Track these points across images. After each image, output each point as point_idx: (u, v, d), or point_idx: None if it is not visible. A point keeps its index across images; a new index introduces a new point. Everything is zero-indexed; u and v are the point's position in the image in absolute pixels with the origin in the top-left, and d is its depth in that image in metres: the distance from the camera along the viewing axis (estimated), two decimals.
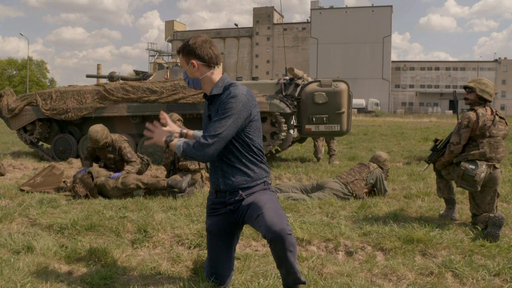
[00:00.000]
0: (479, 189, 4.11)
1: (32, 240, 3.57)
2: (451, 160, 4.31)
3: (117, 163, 6.06)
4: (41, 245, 3.48)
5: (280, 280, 2.88)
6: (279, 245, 2.37)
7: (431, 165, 4.72)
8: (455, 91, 4.91)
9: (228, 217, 2.71)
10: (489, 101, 4.26)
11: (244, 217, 2.63)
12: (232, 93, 2.57)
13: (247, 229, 3.91)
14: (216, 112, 2.60)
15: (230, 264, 2.74)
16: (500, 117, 4.25)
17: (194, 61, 2.65)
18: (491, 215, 3.89)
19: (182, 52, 2.69)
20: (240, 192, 2.65)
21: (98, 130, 5.79)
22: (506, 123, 4.31)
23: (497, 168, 4.17)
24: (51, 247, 3.48)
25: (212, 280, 2.68)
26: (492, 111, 4.22)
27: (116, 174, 5.59)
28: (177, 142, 2.61)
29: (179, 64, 10.49)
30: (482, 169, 4.06)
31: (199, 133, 2.92)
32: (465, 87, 4.33)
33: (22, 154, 10.06)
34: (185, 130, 2.94)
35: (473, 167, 4.09)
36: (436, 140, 4.61)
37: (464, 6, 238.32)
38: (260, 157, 2.70)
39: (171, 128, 2.73)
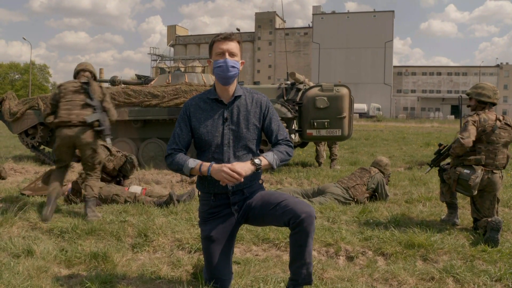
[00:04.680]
0: (474, 193, 4.11)
1: (32, 244, 3.57)
2: (460, 153, 4.21)
3: (114, 172, 6.05)
4: (41, 249, 3.48)
5: (281, 285, 2.88)
6: (308, 226, 2.44)
7: (434, 169, 4.75)
8: (460, 96, 4.94)
9: (230, 218, 2.72)
10: (492, 103, 4.26)
11: (250, 212, 2.69)
12: (264, 96, 2.77)
13: (247, 234, 3.90)
14: (246, 115, 2.68)
15: (230, 268, 2.73)
16: (506, 124, 4.23)
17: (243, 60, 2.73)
18: (489, 219, 3.88)
19: (239, 43, 2.67)
20: (244, 191, 2.71)
21: None
22: None
23: (496, 173, 4.16)
24: (51, 251, 3.48)
25: (212, 284, 2.67)
26: (496, 116, 4.21)
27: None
28: (268, 159, 2.60)
29: (180, 68, 10.51)
30: (477, 174, 4.07)
31: None
32: (467, 94, 4.40)
33: (24, 158, 10.07)
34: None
35: (468, 171, 4.11)
36: (440, 145, 4.65)
37: (464, 11, 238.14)
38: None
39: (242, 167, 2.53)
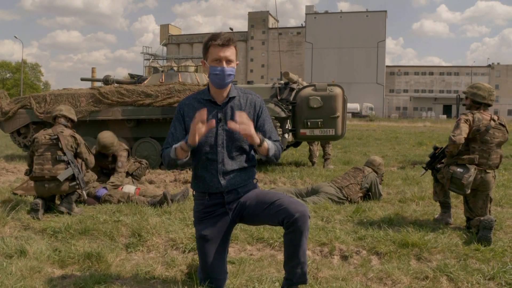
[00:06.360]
0: (467, 192, 4.14)
1: (25, 244, 3.54)
2: (454, 151, 4.23)
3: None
4: (34, 249, 3.45)
5: (275, 284, 2.88)
6: (302, 225, 2.45)
7: (429, 171, 4.77)
8: (458, 95, 5.00)
9: (224, 217, 2.72)
10: (487, 104, 4.29)
11: (244, 211, 2.69)
12: (258, 97, 2.76)
13: (242, 234, 3.90)
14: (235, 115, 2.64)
15: (224, 267, 2.73)
16: (500, 124, 4.25)
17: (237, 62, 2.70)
18: (481, 218, 3.91)
19: (236, 47, 2.64)
20: (239, 190, 2.71)
21: (109, 135, 5.74)
22: (507, 131, 4.30)
23: (489, 172, 4.18)
24: (44, 251, 3.45)
25: (207, 284, 2.67)
26: (491, 116, 4.24)
27: (102, 191, 5.49)
28: (268, 144, 2.59)
29: (174, 68, 10.48)
30: (470, 173, 4.09)
31: None
32: (464, 93, 4.45)
33: (16, 157, 9.99)
34: None
35: (461, 170, 4.13)
36: (435, 148, 4.67)
37: (455, 11, 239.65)
38: (254, 156, 2.79)
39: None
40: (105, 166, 5.90)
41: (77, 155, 4.91)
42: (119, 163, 5.83)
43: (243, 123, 2.42)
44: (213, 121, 2.46)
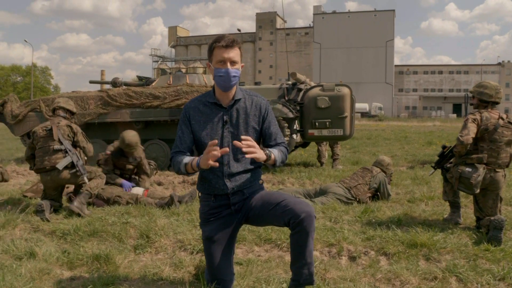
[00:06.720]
0: (476, 191, 4.10)
1: (34, 246, 3.57)
2: (462, 152, 4.21)
3: (132, 172, 6.00)
4: (44, 251, 3.48)
5: (283, 285, 2.88)
6: (308, 226, 2.45)
7: (438, 170, 4.75)
8: (466, 94, 4.97)
9: (230, 218, 2.72)
10: (494, 102, 4.25)
11: (250, 212, 2.69)
12: (263, 99, 2.76)
13: (249, 235, 3.90)
14: (245, 118, 2.66)
15: (231, 268, 2.74)
16: (509, 122, 4.20)
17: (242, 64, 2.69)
18: (492, 218, 3.87)
19: (240, 49, 2.64)
20: (244, 191, 2.71)
21: (135, 134, 5.76)
22: None
23: (498, 172, 4.14)
24: (53, 253, 3.48)
25: (214, 285, 2.67)
26: (499, 115, 4.20)
27: (127, 184, 5.60)
28: (275, 155, 2.61)
29: (181, 69, 10.50)
30: (479, 173, 4.06)
31: None
32: (470, 92, 4.42)
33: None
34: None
35: (470, 169, 4.10)
36: (444, 147, 4.64)
37: (464, 10, 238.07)
38: None
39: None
40: (121, 166, 5.85)
41: (74, 144, 5.01)
42: (147, 165, 6.01)
43: (248, 146, 2.41)
44: (227, 149, 2.44)
